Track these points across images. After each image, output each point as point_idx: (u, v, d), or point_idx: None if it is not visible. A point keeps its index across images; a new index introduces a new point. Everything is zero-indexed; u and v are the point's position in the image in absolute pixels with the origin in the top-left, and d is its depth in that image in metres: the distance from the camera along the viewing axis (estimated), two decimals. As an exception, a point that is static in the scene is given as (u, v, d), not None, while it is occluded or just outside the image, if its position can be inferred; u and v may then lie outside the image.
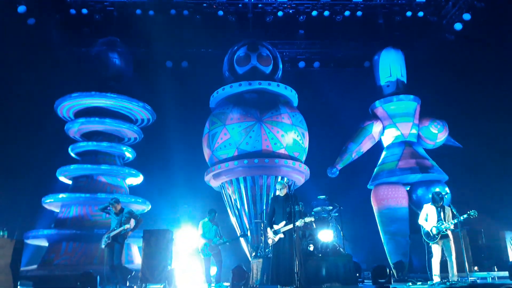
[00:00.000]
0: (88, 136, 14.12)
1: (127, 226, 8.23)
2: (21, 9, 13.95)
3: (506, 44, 13.16)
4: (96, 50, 14.36)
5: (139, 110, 14.25)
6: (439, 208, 7.60)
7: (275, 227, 7.32)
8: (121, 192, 13.66)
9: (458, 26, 15.05)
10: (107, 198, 12.76)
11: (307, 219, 7.28)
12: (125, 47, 14.70)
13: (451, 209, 7.49)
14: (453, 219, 7.39)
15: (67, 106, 13.83)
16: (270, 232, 7.34)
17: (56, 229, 12.78)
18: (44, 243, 13.14)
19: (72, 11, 14.93)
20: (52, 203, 13.37)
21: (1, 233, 7.91)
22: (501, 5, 13.54)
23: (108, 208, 8.49)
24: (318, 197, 10.82)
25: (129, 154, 14.33)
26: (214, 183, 13.75)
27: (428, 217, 7.65)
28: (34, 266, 12.25)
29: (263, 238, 10.61)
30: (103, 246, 8.24)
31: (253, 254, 10.55)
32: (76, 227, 12.55)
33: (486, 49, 13.91)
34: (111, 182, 13.76)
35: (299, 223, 7.10)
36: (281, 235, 7.16)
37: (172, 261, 10.13)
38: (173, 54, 16.33)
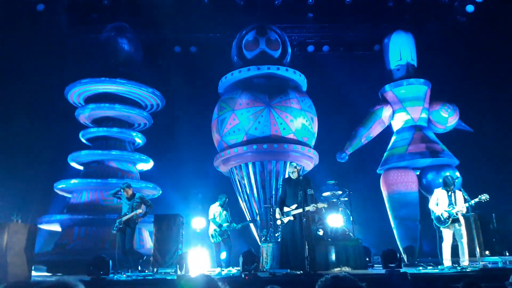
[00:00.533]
0: (99, 122, 14.22)
1: (139, 211, 8.35)
2: (30, -5, 13.92)
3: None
4: (105, 36, 14.34)
5: (149, 96, 14.27)
6: (450, 192, 7.57)
7: (286, 209, 7.29)
8: (131, 177, 13.77)
9: (470, 8, 14.73)
10: (118, 184, 12.97)
11: (320, 205, 7.27)
12: (133, 32, 14.65)
13: (463, 193, 7.45)
14: (464, 203, 7.36)
15: (77, 92, 13.89)
16: (278, 213, 7.32)
17: (68, 214, 12.97)
18: (57, 228, 13.36)
19: (81, -4, 14.87)
20: (64, 189, 13.55)
21: (15, 218, 8.05)
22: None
23: (119, 193, 8.60)
24: (327, 182, 10.83)
25: (139, 139, 14.41)
26: (224, 168, 13.81)
27: (439, 202, 7.62)
28: (48, 251, 12.48)
29: (272, 223, 10.68)
30: (114, 231, 8.37)
31: (263, 238, 10.64)
32: (88, 212, 12.72)
33: (498, 32, 13.63)
34: (122, 167, 13.88)
35: (311, 208, 7.07)
36: (291, 218, 7.14)
37: (183, 246, 10.28)
38: (181, 39, 16.26)
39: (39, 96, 14.05)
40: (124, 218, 8.36)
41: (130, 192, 8.56)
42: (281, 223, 7.34)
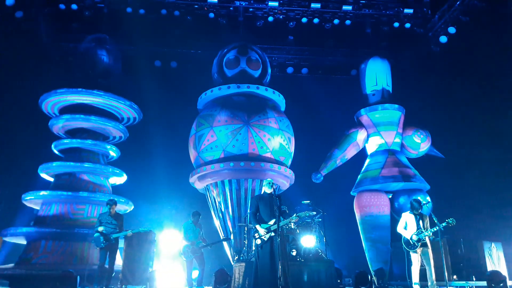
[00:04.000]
0: (73, 133, 13.94)
1: (129, 233, 8.25)
2: (10, 1, 13.69)
3: (489, 56, 13.49)
4: (84, 46, 14.20)
5: (126, 109, 14.13)
6: (418, 216, 7.70)
7: (264, 225, 7.13)
8: (103, 191, 13.49)
9: (443, 38, 15.41)
10: (89, 197, 12.74)
11: (302, 214, 7.21)
12: (114, 44, 14.58)
13: (431, 218, 7.60)
14: (433, 227, 7.50)
15: (52, 102, 13.61)
16: (261, 230, 6.99)
17: (35, 227, 12.55)
18: (23, 241, 12.89)
19: (62, 6, 14.75)
20: (33, 200, 13.13)
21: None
22: (485, 20, 13.90)
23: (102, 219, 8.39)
24: (302, 202, 10.88)
25: (113, 152, 14.17)
26: (199, 185, 13.71)
27: (407, 226, 7.74)
28: (11, 265, 11.99)
29: (246, 242, 10.61)
30: (102, 246, 8.05)
31: (236, 257, 10.54)
32: (56, 225, 12.34)
33: (470, 62, 14.23)
34: (94, 180, 13.58)
35: (295, 217, 7.01)
36: (272, 234, 6.99)
37: (154, 263, 10.06)
38: (162, 54, 16.29)
39: (12, 103, 13.70)
40: (115, 235, 8.12)
41: (115, 209, 8.41)
42: (261, 241, 7.08)
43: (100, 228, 8.08)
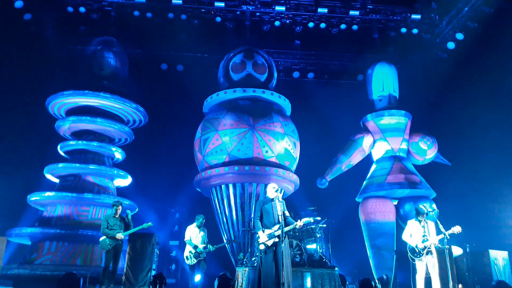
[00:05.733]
0: (79, 135, 14.01)
1: (149, 224, 8.24)
2: (18, 4, 13.85)
3: (497, 63, 13.40)
4: (91, 49, 14.30)
5: (132, 111, 14.17)
6: (422, 223, 7.62)
7: (267, 231, 7.09)
8: (108, 193, 13.52)
9: (451, 45, 15.31)
10: (94, 199, 12.75)
11: (306, 219, 7.14)
12: (121, 47, 14.66)
13: (437, 225, 7.51)
14: (438, 234, 7.41)
15: (58, 104, 13.70)
16: (263, 235, 6.94)
17: (40, 227, 12.59)
18: (27, 241, 12.94)
19: (70, 9, 14.87)
20: (38, 201, 13.19)
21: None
22: (493, 26, 13.82)
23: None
24: (307, 207, 10.83)
25: (118, 155, 14.21)
26: (204, 189, 13.70)
27: (413, 233, 7.65)
28: (15, 265, 12.03)
29: (249, 247, 10.57)
30: (108, 249, 8.00)
31: (239, 262, 10.49)
32: (60, 226, 12.39)
33: (477, 68, 14.14)
34: (99, 182, 13.62)
35: (300, 222, 6.95)
36: (276, 239, 6.94)
37: (157, 266, 10.05)
38: (169, 57, 16.34)
39: (19, 105, 13.81)
40: (123, 234, 8.10)
41: (120, 210, 8.40)
42: (265, 246, 7.04)
43: (120, 236, 8.01)
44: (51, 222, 12.71)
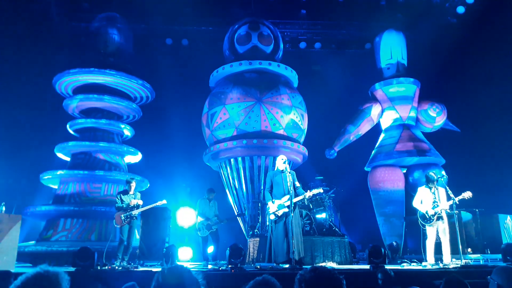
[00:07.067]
0: (87, 113, 14.05)
1: (163, 201, 8.28)
2: (20, -18, 13.67)
3: (508, 28, 13.05)
4: (95, 26, 14.14)
5: (138, 88, 14.14)
6: (433, 189, 7.64)
7: (277, 201, 7.22)
8: (119, 169, 13.66)
9: (460, 9, 14.90)
10: (105, 176, 12.93)
11: (315, 190, 7.24)
12: (124, 23, 14.48)
13: (446, 191, 7.54)
14: (448, 200, 7.44)
15: (65, 82, 13.70)
16: (273, 206, 7.15)
17: (54, 205, 12.83)
18: (42, 219, 13.23)
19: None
20: (50, 180, 13.40)
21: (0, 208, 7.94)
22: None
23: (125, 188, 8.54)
24: (315, 178, 10.90)
25: (127, 132, 14.28)
26: (213, 163, 13.79)
27: (423, 200, 7.70)
28: (32, 242, 12.36)
29: (260, 217, 10.72)
30: (124, 223, 8.15)
31: (250, 233, 10.66)
32: (74, 204, 12.60)
33: (488, 33, 13.79)
34: (109, 159, 13.74)
35: (309, 193, 7.05)
36: (286, 210, 7.06)
37: (170, 239, 10.26)
38: (173, 32, 16.15)
39: (27, 84, 13.83)
40: (137, 210, 8.24)
41: (134, 185, 8.52)
42: (275, 217, 7.19)
43: (135, 202, 8.17)
44: (64, 199, 12.93)
